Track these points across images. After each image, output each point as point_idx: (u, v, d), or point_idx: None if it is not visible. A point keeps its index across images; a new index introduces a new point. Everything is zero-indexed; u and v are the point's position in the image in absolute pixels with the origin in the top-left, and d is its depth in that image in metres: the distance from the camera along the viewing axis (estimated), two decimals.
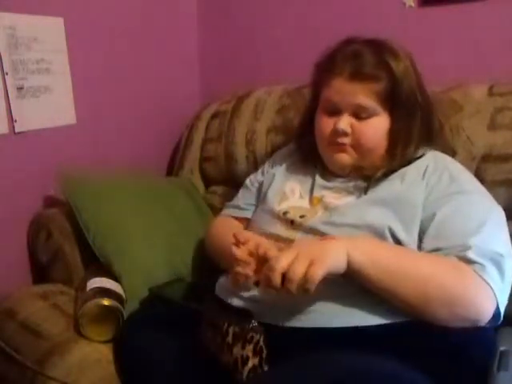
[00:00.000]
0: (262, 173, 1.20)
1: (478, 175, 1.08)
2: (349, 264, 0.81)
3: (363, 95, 0.96)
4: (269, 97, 1.43)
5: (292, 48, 1.56)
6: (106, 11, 1.43)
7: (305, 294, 0.77)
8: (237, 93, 1.51)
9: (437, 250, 0.87)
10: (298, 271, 0.76)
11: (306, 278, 0.76)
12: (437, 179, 0.95)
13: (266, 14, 1.61)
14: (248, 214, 1.16)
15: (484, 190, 0.98)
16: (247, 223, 1.15)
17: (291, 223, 0.99)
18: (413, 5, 1.37)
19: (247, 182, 1.23)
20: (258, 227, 1.05)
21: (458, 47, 1.33)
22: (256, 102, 1.44)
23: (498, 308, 0.83)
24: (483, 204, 0.94)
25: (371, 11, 1.42)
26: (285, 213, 1.02)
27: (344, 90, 0.98)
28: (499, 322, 0.86)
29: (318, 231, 0.95)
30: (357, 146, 0.99)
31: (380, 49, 0.99)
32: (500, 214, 0.95)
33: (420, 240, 0.91)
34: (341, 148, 1.00)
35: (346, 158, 1.00)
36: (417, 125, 0.99)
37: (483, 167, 1.10)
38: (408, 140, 0.98)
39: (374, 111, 0.97)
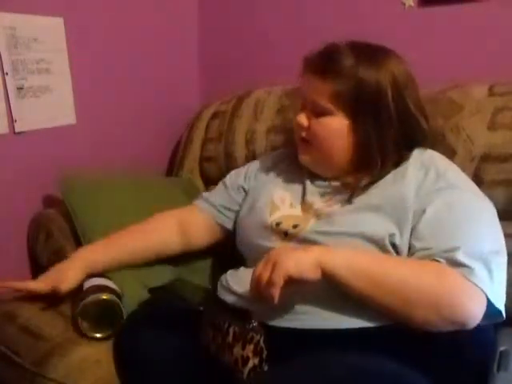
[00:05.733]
0: (245, 178, 1.17)
1: (478, 175, 1.08)
2: (323, 268, 0.80)
3: (317, 91, 0.96)
4: (269, 97, 1.43)
5: (292, 48, 1.54)
6: (106, 11, 1.43)
7: (271, 298, 0.78)
8: (237, 93, 1.51)
9: (426, 249, 0.86)
10: (263, 276, 0.79)
11: (269, 283, 0.78)
12: (423, 176, 0.93)
13: (266, 15, 1.61)
14: (221, 220, 1.15)
15: (472, 185, 0.96)
16: (219, 229, 1.16)
17: (285, 235, 0.97)
18: (412, 5, 1.37)
19: (227, 181, 1.19)
20: (252, 242, 1.03)
21: (457, 47, 1.33)
22: (256, 102, 1.44)
23: (493, 305, 0.81)
24: (473, 201, 0.92)
25: (371, 11, 1.42)
26: (277, 224, 0.99)
27: (305, 84, 1.00)
28: (503, 319, 0.84)
29: (312, 241, 0.92)
30: (312, 143, 0.99)
31: (357, 52, 0.94)
32: (490, 211, 0.92)
33: (411, 238, 0.89)
34: (303, 148, 1.02)
35: (306, 158, 1.02)
36: (391, 137, 0.95)
37: (483, 167, 1.09)
38: (383, 153, 0.94)
39: (326, 110, 0.95)
